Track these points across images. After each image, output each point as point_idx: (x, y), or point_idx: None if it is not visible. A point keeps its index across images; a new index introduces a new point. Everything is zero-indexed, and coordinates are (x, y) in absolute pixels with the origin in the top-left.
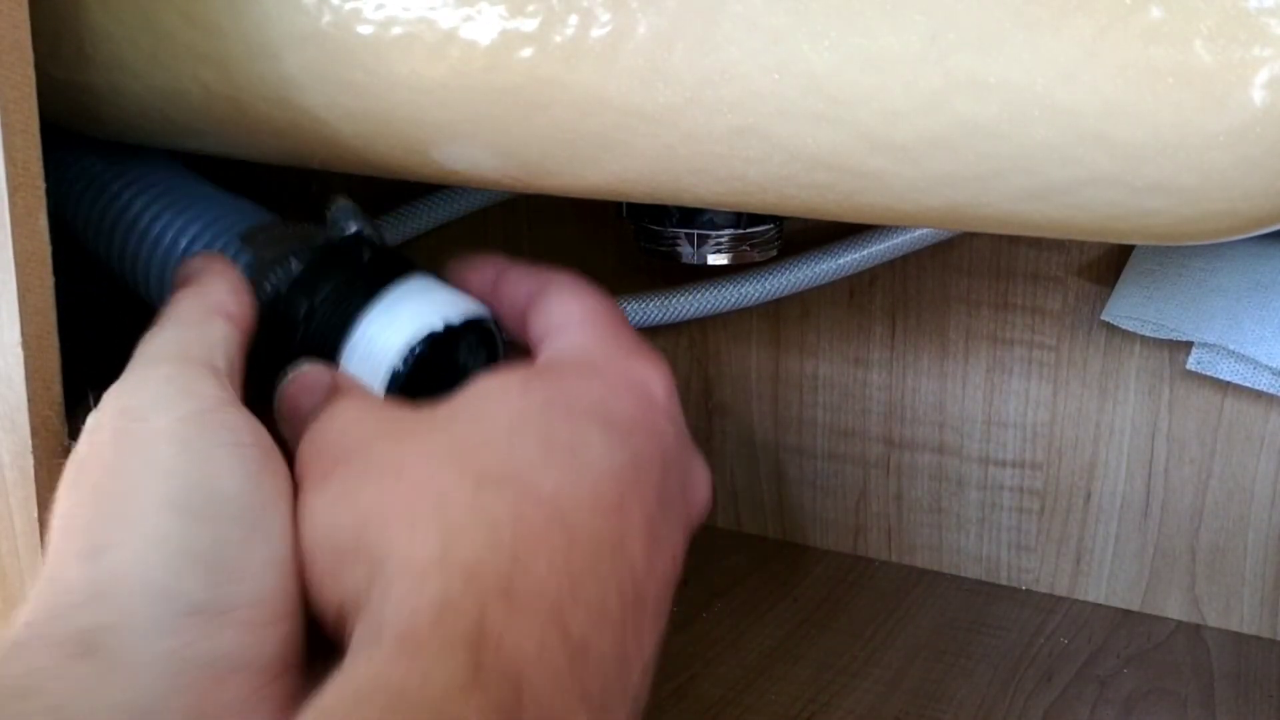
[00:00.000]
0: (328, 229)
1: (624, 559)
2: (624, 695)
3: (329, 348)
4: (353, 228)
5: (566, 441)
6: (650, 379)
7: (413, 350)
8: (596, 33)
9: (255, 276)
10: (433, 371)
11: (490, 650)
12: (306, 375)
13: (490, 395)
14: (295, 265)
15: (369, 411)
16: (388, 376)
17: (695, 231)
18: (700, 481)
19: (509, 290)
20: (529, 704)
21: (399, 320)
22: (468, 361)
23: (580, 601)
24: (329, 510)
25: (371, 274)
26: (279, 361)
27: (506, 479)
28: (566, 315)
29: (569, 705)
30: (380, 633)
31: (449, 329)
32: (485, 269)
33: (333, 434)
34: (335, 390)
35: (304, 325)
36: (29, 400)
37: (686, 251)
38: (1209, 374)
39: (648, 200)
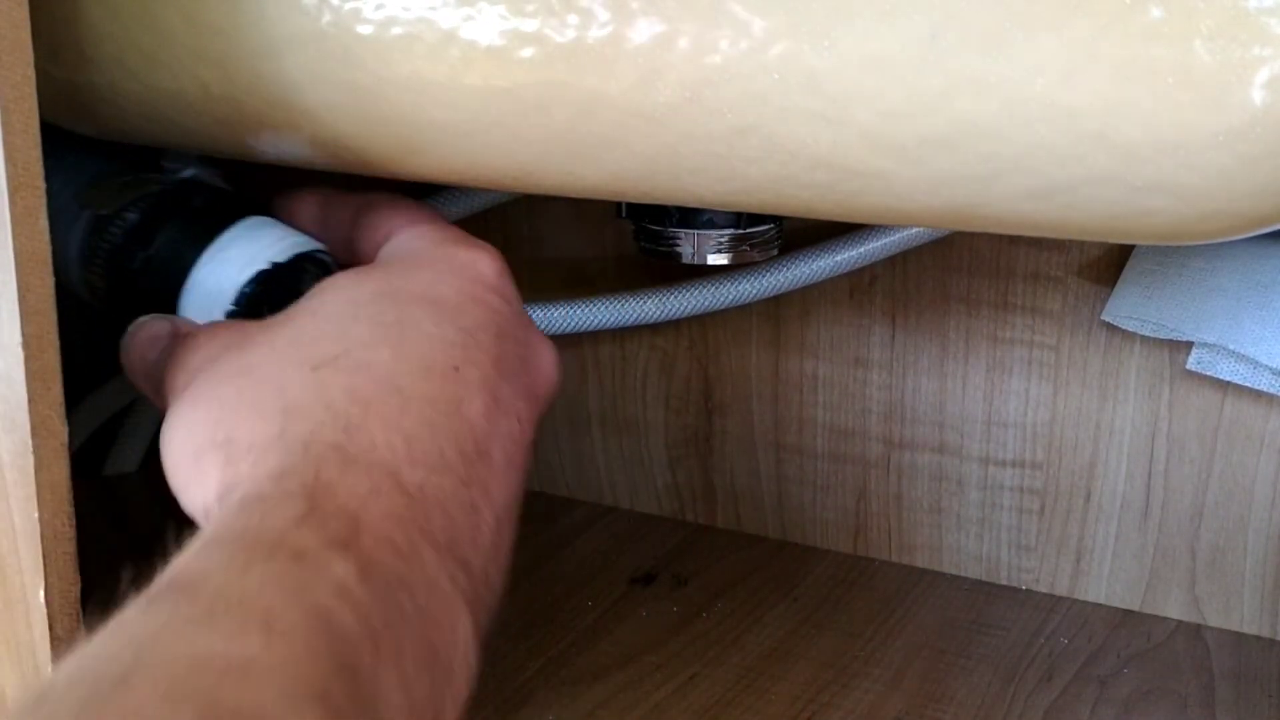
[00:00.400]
0: (163, 175)
1: (461, 418)
2: (474, 538)
3: (168, 296)
4: (187, 172)
5: (395, 320)
6: (478, 261)
7: (244, 291)
8: (596, 33)
9: (96, 233)
10: (275, 306)
11: (325, 495)
12: (146, 328)
13: (325, 293)
14: (131, 218)
15: (214, 334)
16: (224, 319)
17: (695, 231)
18: (543, 356)
19: (333, 219)
20: (366, 534)
21: (229, 264)
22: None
23: (416, 454)
24: (186, 417)
25: (203, 220)
26: (126, 315)
27: (340, 358)
28: (389, 225)
29: (410, 537)
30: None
31: (277, 266)
32: (308, 202)
33: (185, 360)
34: (176, 336)
35: (141, 276)
36: (29, 400)
37: (686, 251)
38: (1209, 374)
39: (647, 200)
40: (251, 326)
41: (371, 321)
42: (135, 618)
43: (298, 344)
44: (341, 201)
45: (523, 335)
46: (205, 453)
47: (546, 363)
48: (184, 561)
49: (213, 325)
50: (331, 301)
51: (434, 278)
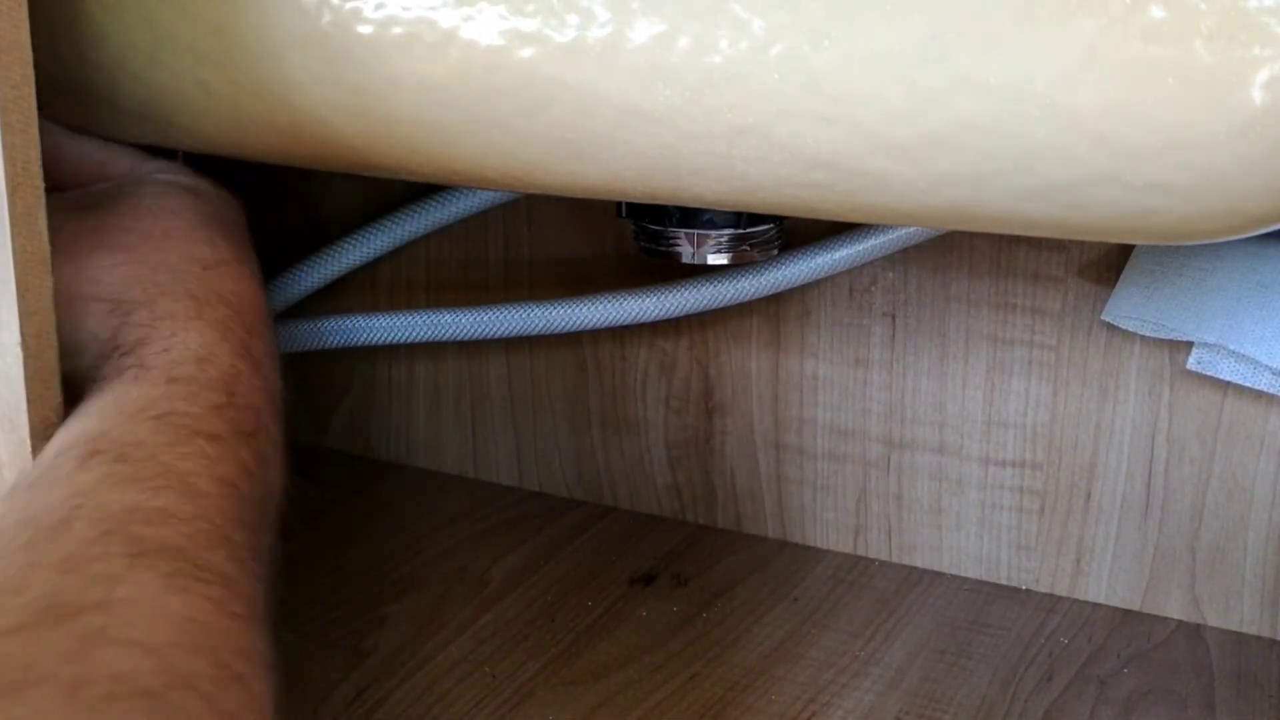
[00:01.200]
0: None
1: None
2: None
3: None
4: None
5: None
6: None
7: None
8: (596, 33)
9: None
10: None
11: (240, 392)
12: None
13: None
14: None
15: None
16: None
17: (695, 231)
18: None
19: None
20: (262, 431)
21: None
22: None
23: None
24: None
25: None
26: None
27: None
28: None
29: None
30: (146, 370)
31: None
32: None
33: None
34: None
35: None
36: (28, 400)
37: (686, 251)
38: (1209, 374)
39: (647, 200)
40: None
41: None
42: (71, 474)
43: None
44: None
45: None
46: (99, 311)
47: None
48: (114, 427)
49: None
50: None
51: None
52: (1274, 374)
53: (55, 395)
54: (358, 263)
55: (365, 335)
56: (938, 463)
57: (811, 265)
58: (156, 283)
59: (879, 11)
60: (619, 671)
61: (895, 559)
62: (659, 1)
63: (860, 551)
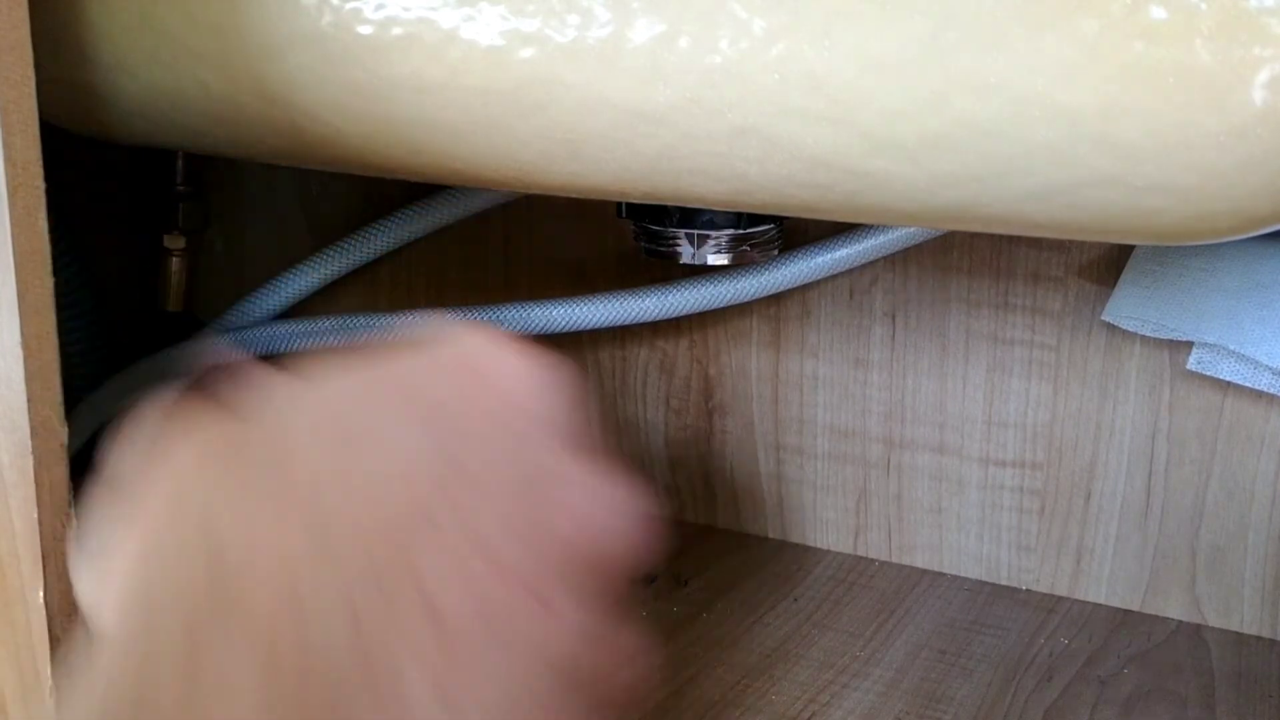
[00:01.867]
0: None
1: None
2: None
3: None
4: None
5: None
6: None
7: None
8: (597, 33)
9: None
10: None
11: None
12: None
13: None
14: None
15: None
16: None
17: (695, 232)
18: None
19: None
20: None
21: None
22: None
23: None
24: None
25: None
26: None
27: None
28: None
29: None
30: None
31: None
32: None
33: None
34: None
35: None
36: (29, 400)
37: (686, 252)
38: (1209, 374)
39: (648, 200)
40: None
41: (333, 425)
42: None
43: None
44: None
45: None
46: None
47: (585, 509)
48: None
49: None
50: (292, 396)
51: (428, 369)
52: (1274, 374)
53: (55, 395)
54: (358, 263)
55: (365, 335)
56: (938, 463)
57: (812, 265)
58: None
59: (879, 12)
60: None
61: (895, 559)
62: (659, 2)
63: (860, 552)
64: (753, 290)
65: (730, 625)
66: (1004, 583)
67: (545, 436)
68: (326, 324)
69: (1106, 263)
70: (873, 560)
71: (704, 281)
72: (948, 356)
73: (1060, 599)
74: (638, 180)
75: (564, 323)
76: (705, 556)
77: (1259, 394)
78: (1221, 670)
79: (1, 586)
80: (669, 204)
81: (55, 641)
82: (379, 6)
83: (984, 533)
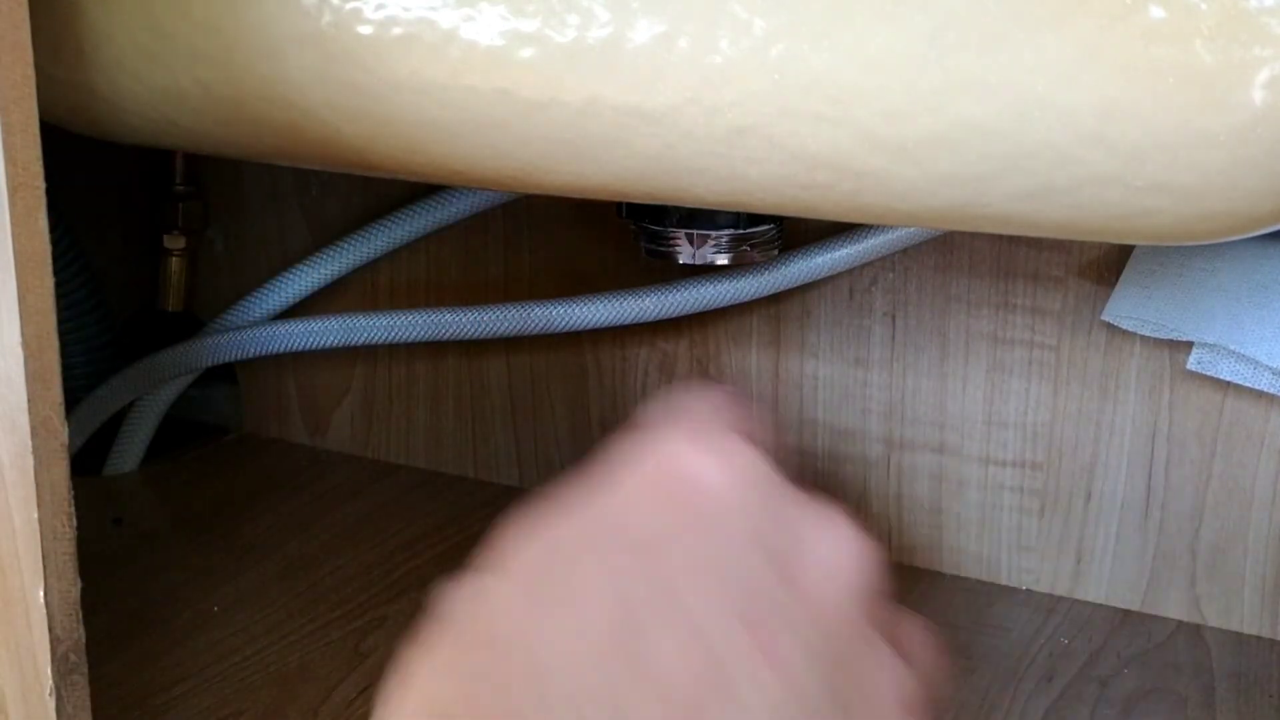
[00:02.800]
0: None
1: None
2: None
3: None
4: None
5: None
6: (697, 464)
7: None
8: (597, 33)
9: None
10: None
11: None
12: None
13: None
14: None
15: None
16: None
17: (695, 231)
18: (822, 552)
19: None
20: None
21: None
22: None
23: None
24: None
25: None
26: None
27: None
28: None
29: None
30: None
31: None
32: None
33: None
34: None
35: None
36: (29, 401)
37: (686, 251)
38: (1209, 374)
39: (648, 200)
40: None
41: (527, 595)
42: None
43: None
44: None
45: (779, 543)
46: None
47: (830, 558)
48: None
49: None
50: (499, 572)
51: (625, 497)
52: (1274, 374)
53: (56, 395)
54: (358, 263)
55: (365, 335)
56: (938, 463)
57: (812, 265)
58: None
59: (879, 12)
60: None
61: (895, 559)
62: (659, 2)
63: None
64: (753, 290)
65: None
66: (1004, 583)
67: (754, 505)
68: (326, 324)
69: (1106, 263)
70: None
71: (704, 281)
72: (948, 356)
73: (1060, 599)
74: (637, 180)
75: (564, 323)
76: None
77: (1259, 394)
78: (1221, 670)
79: (2, 586)
80: (669, 204)
81: (55, 642)
82: (379, 6)
83: (984, 533)
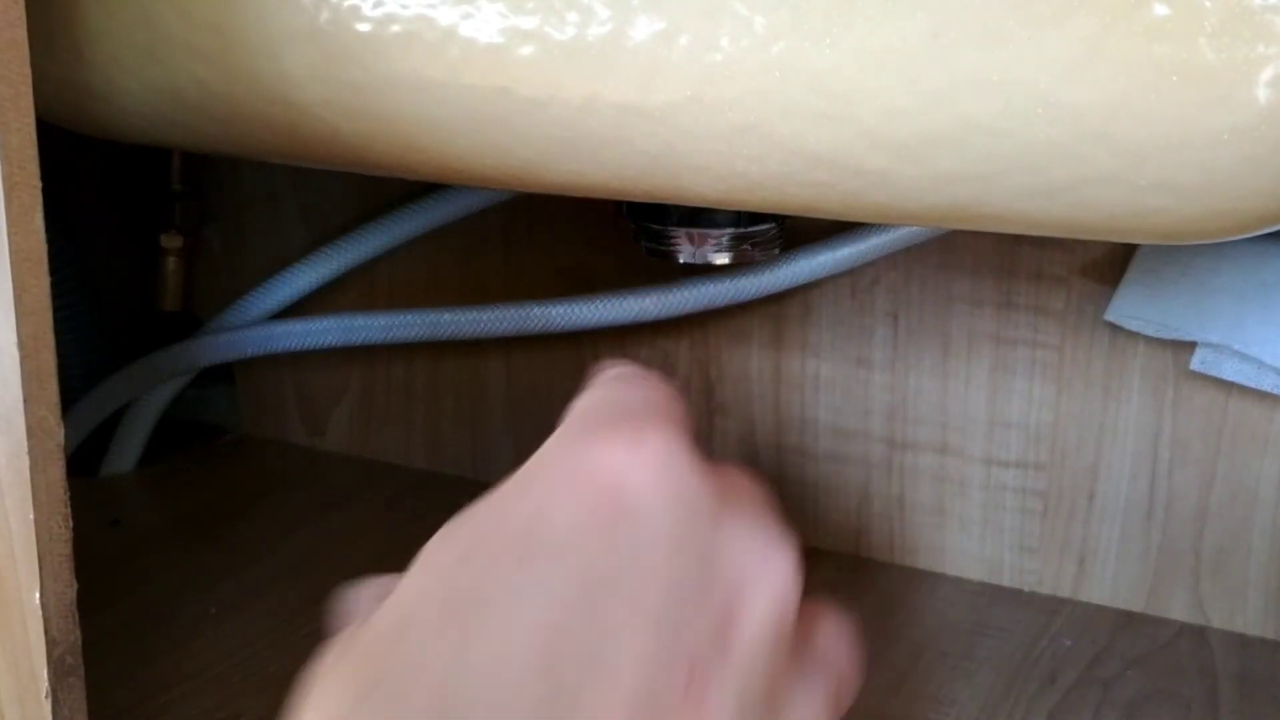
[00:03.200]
0: None
1: None
2: None
3: None
4: None
5: (469, 590)
6: (617, 465)
7: None
8: (596, 30)
9: None
10: None
11: None
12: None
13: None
14: None
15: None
16: None
17: (696, 230)
18: (754, 586)
19: None
20: None
21: None
22: None
23: None
24: None
25: None
26: None
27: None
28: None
29: None
30: None
31: None
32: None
33: None
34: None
35: None
36: (25, 401)
37: (687, 250)
38: (1213, 374)
39: (648, 199)
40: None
41: (440, 599)
42: None
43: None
44: None
45: (698, 571)
46: None
47: (762, 590)
48: None
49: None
50: (413, 573)
51: (544, 497)
52: (1278, 374)
53: (52, 395)
54: (356, 262)
55: (364, 334)
56: (940, 463)
57: (813, 264)
58: None
59: (881, 9)
60: None
61: (897, 560)
62: None
63: (862, 553)
64: (754, 290)
65: None
66: (1006, 584)
67: (671, 527)
68: (324, 323)
69: (1110, 262)
70: (874, 562)
71: (704, 281)
72: (950, 356)
73: (1063, 600)
74: (638, 179)
75: (564, 323)
76: None
77: (1263, 395)
78: (1225, 672)
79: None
80: (669, 203)
81: (52, 644)
82: (377, 4)
83: (986, 534)
